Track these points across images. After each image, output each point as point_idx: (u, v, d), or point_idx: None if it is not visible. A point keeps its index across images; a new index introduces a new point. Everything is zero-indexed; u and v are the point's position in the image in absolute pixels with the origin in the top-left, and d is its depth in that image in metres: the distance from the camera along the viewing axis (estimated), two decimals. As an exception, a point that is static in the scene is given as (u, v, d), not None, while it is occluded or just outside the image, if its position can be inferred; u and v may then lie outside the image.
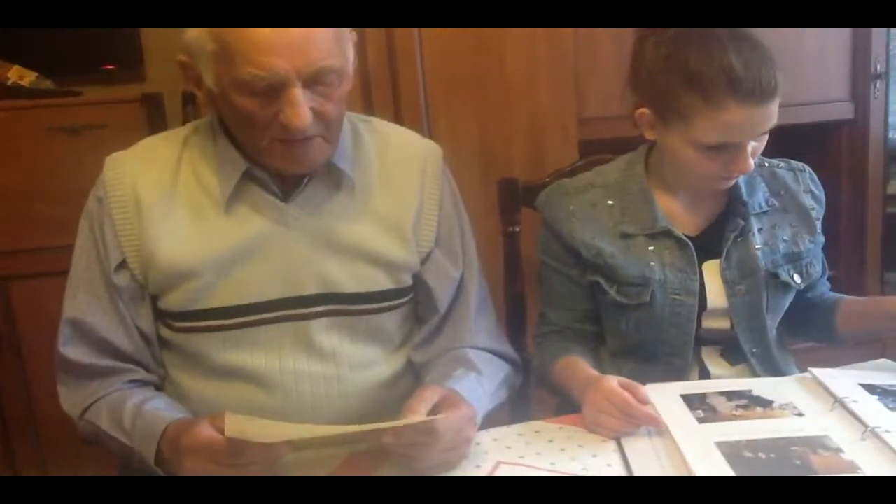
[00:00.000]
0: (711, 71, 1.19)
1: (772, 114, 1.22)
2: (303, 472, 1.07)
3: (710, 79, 1.19)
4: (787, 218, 1.39)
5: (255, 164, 1.19)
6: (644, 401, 1.12)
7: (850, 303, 1.43)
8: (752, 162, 1.24)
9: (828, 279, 1.50)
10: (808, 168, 1.45)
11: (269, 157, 1.16)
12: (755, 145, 1.25)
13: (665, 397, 1.19)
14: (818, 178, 1.46)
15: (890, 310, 1.31)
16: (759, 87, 1.18)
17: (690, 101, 1.21)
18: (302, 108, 1.09)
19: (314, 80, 1.10)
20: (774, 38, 1.25)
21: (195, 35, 1.11)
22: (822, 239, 1.42)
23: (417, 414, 1.03)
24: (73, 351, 1.21)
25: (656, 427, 1.11)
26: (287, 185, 1.21)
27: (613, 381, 1.15)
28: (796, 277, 1.37)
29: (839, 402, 1.16)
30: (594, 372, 1.26)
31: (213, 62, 1.10)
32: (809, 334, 1.48)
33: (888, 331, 1.36)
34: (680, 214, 1.37)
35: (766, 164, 1.42)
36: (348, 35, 1.16)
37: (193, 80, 1.17)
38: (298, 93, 1.08)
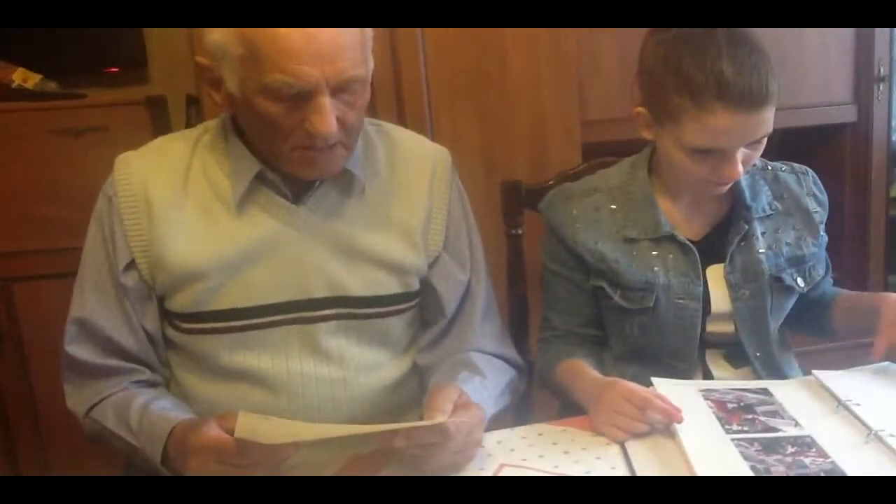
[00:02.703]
0: (702, 75, 1.18)
1: (763, 122, 1.20)
2: (306, 472, 1.07)
3: (699, 82, 1.18)
4: (791, 221, 1.39)
5: (267, 167, 1.19)
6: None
7: (845, 298, 1.44)
8: (740, 169, 1.23)
9: (831, 278, 1.50)
10: (811, 171, 1.45)
11: (289, 164, 1.16)
12: (748, 153, 1.24)
13: (677, 392, 1.19)
14: (821, 180, 1.46)
15: (875, 302, 1.30)
16: (748, 93, 1.17)
17: (680, 104, 1.21)
18: (329, 116, 1.09)
19: (341, 89, 1.10)
20: (777, 41, 1.26)
21: (220, 37, 1.10)
22: (825, 239, 1.42)
23: (443, 412, 1.03)
24: (78, 350, 1.21)
25: (677, 421, 1.10)
26: (298, 188, 1.21)
27: (629, 383, 1.15)
28: (800, 281, 1.37)
29: (842, 405, 1.16)
30: (601, 375, 1.26)
31: (240, 66, 1.10)
32: (806, 330, 1.47)
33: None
34: (683, 219, 1.36)
35: (769, 168, 1.42)
36: (370, 42, 1.16)
37: (212, 82, 1.17)
38: (326, 101, 1.08)
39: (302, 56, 1.06)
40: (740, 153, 1.23)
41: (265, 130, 1.14)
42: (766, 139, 1.25)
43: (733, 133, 1.20)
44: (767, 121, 1.21)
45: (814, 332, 1.48)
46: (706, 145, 1.22)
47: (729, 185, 1.30)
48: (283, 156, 1.15)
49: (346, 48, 1.08)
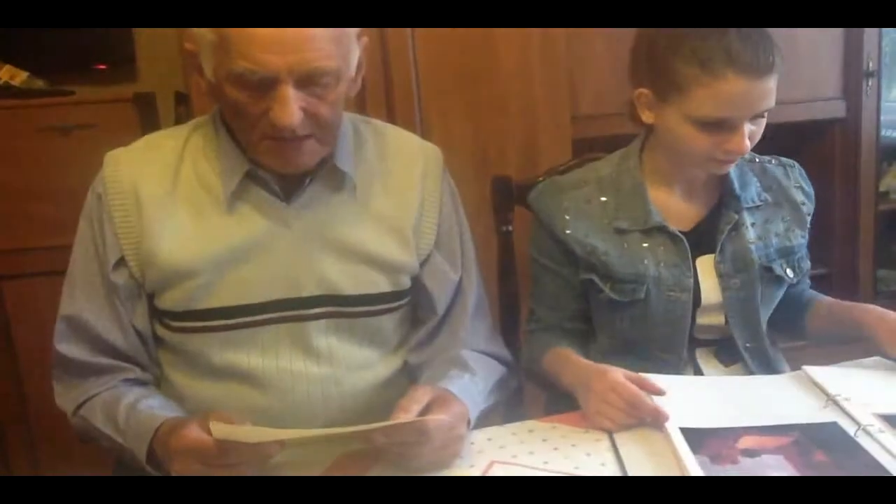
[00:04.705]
0: (711, 44, 1.20)
1: (769, 92, 1.22)
2: (294, 472, 1.07)
3: (709, 51, 1.20)
4: (780, 213, 1.40)
5: (256, 164, 1.18)
6: (657, 392, 1.13)
7: (822, 304, 1.45)
8: (748, 143, 1.24)
9: (813, 274, 1.52)
10: (797, 164, 1.46)
11: (260, 154, 1.16)
12: (752, 129, 1.25)
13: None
14: (811, 175, 1.46)
15: (855, 317, 1.33)
16: (756, 60, 1.19)
17: (689, 72, 1.21)
18: (290, 106, 1.08)
19: (308, 80, 1.09)
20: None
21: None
22: (806, 236, 1.43)
23: (409, 413, 1.03)
24: (68, 348, 1.21)
25: (663, 420, 1.10)
26: (288, 186, 1.21)
27: (620, 374, 1.15)
28: (789, 272, 1.38)
29: (832, 400, 1.16)
30: (592, 363, 1.25)
31: (212, 53, 1.10)
32: (778, 328, 1.48)
33: (852, 336, 1.35)
34: (673, 209, 1.37)
35: (757, 160, 1.43)
36: (353, 37, 1.15)
37: (197, 68, 1.17)
38: (289, 91, 1.08)
39: (266, 44, 1.05)
40: (746, 128, 1.23)
41: (236, 119, 1.14)
42: (766, 117, 1.26)
43: (742, 101, 1.21)
44: (772, 91, 1.22)
45: (785, 330, 1.49)
46: (715, 114, 1.22)
47: (733, 164, 1.31)
48: (253, 145, 1.15)
49: (315, 39, 1.07)
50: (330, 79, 1.11)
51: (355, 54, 1.16)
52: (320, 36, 1.08)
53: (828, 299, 1.47)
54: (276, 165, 1.17)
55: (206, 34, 1.10)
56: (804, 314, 1.45)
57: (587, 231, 1.35)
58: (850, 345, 1.37)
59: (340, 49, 1.11)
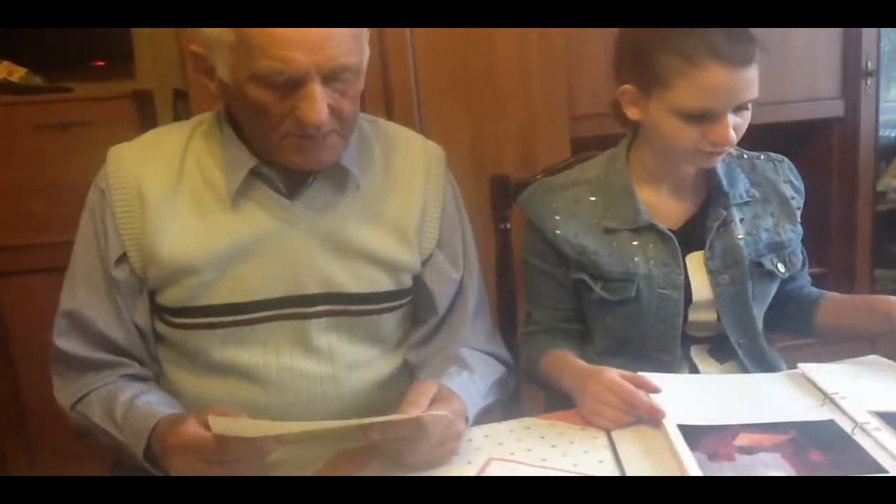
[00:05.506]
0: (693, 38, 1.21)
1: (750, 82, 1.23)
2: (290, 470, 1.07)
3: (692, 44, 1.21)
4: (769, 208, 1.40)
5: (262, 162, 1.18)
6: (653, 389, 1.13)
7: (834, 298, 1.45)
8: (733, 134, 1.25)
9: (810, 274, 1.51)
10: (786, 159, 1.47)
11: (282, 152, 1.15)
12: (738, 121, 1.26)
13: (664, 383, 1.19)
14: (808, 175, 1.47)
15: (878, 308, 1.32)
16: (736, 51, 1.20)
17: (672, 65, 1.22)
18: (320, 103, 1.08)
19: (332, 77, 1.10)
20: (763, 35, 1.26)
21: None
22: (801, 231, 1.43)
23: (417, 407, 1.03)
24: (67, 343, 1.20)
25: (659, 417, 1.11)
26: (292, 183, 1.21)
27: (615, 373, 1.16)
28: (780, 267, 1.38)
29: (828, 398, 1.17)
30: (588, 364, 1.26)
31: (231, 53, 1.09)
32: (786, 327, 1.48)
33: (870, 329, 1.36)
34: (661, 208, 1.37)
35: (746, 156, 1.44)
36: (365, 33, 1.16)
37: (205, 71, 1.16)
38: (317, 88, 1.08)
39: (291, 42, 1.05)
40: (730, 119, 1.24)
41: (257, 118, 1.13)
42: (751, 108, 1.26)
43: (725, 91, 1.22)
44: (754, 82, 1.23)
45: (791, 328, 1.49)
46: (699, 105, 1.23)
47: (721, 156, 1.31)
48: (274, 144, 1.14)
49: (336, 36, 1.08)
50: (351, 74, 1.12)
51: (367, 50, 1.17)
52: (340, 33, 1.09)
53: (839, 294, 1.47)
54: (299, 162, 1.17)
55: (221, 35, 1.09)
56: (813, 311, 1.45)
57: (577, 231, 1.35)
58: (850, 342, 1.36)
59: (357, 45, 1.12)
